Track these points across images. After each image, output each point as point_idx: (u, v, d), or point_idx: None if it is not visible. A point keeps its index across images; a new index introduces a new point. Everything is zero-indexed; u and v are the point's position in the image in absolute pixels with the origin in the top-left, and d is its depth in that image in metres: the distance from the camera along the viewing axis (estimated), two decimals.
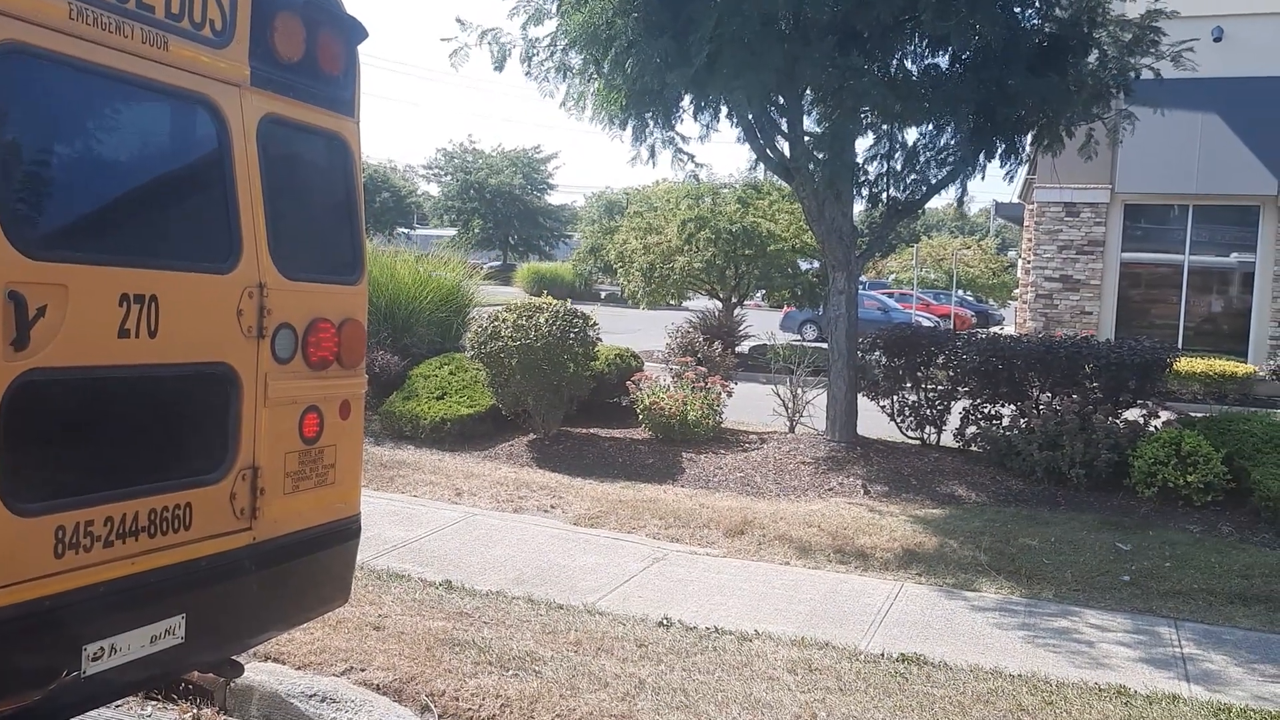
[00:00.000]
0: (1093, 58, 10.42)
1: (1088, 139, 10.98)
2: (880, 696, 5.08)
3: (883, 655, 5.83)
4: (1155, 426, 10.21)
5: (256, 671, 4.92)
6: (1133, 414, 10.45)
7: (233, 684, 4.74)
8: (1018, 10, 10.13)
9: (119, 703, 4.68)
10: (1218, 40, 18.93)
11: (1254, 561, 7.90)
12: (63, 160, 3.33)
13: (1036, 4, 10.23)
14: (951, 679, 5.44)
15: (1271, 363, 19.23)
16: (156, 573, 3.47)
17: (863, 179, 11.82)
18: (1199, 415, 10.94)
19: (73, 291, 3.17)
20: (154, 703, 4.87)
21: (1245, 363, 19.40)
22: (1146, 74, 10.59)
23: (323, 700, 4.81)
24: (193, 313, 3.60)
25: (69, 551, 3.19)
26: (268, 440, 3.92)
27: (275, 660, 5.14)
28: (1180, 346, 19.15)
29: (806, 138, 11.15)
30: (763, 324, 25.38)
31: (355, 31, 4.41)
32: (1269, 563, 7.88)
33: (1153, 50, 10.42)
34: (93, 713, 4.16)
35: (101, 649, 3.29)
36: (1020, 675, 5.57)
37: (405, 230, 65.31)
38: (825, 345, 12.03)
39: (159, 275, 3.48)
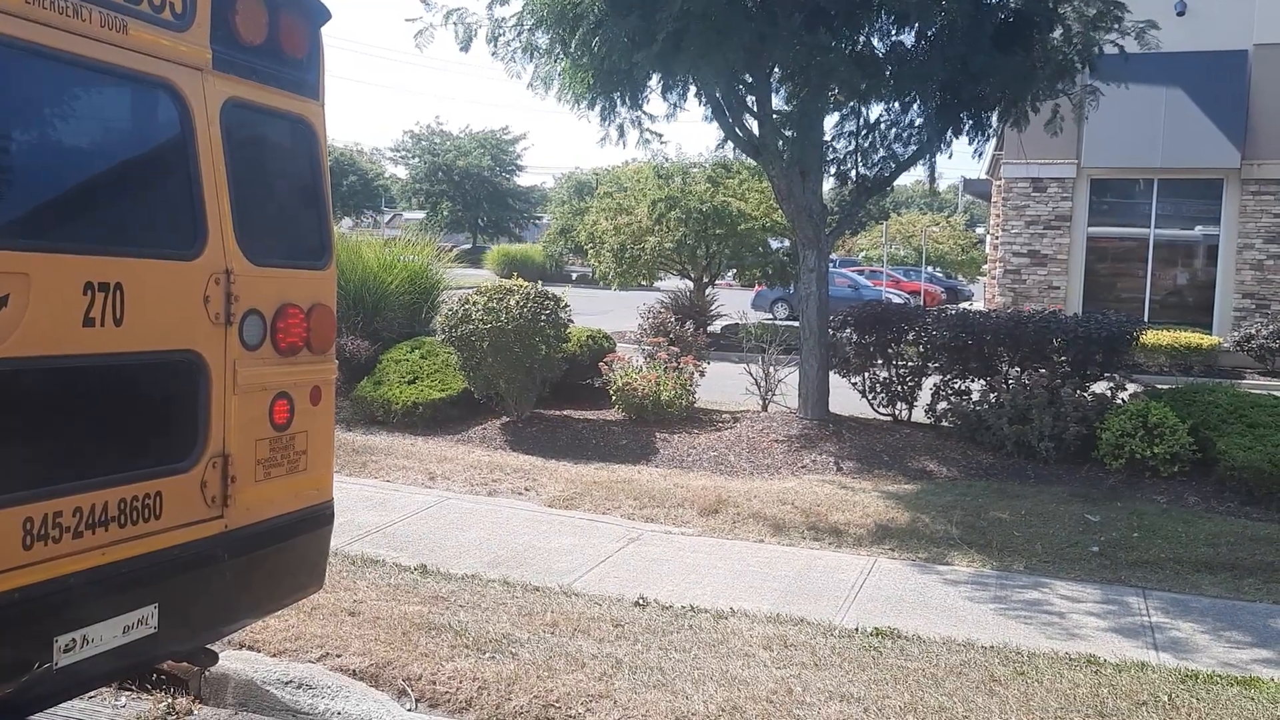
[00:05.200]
0: (1057, 33, 10.49)
1: (1054, 114, 11.05)
2: (855, 670, 5.13)
3: (857, 630, 5.89)
4: (1122, 399, 10.33)
5: (231, 659, 4.89)
6: (1100, 387, 10.56)
7: (207, 672, 4.73)
8: None
9: (92, 693, 4.65)
10: (1180, 14, 19.10)
11: (1220, 530, 8.03)
12: (22, 147, 3.27)
13: None
14: (925, 652, 5.50)
15: (1235, 334, 19.51)
16: (128, 563, 3.45)
17: (831, 157, 11.86)
18: (1165, 387, 11.07)
19: (35, 280, 3.13)
20: (128, 693, 4.85)
21: (1210, 334, 19.67)
22: (1110, 49, 10.66)
23: (299, 686, 4.80)
24: (159, 300, 3.56)
25: (38, 543, 3.16)
26: (238, 428, 3.89)
27: (250, 648, 5.11)
28: (1146, 319, 19.42)
29: (775, 116, 11.15)
30: (734, 303, 25.44)
31: (318, 13, 4.36)
32: (1234, 531, 8.01)
33: (1116, 26, 10.49)
34: (66, 704, 4.13)
35: (73, 640, 3.27)
36: (992, 647, 5.64)
37: (374, 214, 64.86)
38: (797, 323, 12.07)
39: (123, 263, 3.43)
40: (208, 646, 4.17)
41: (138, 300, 3.46)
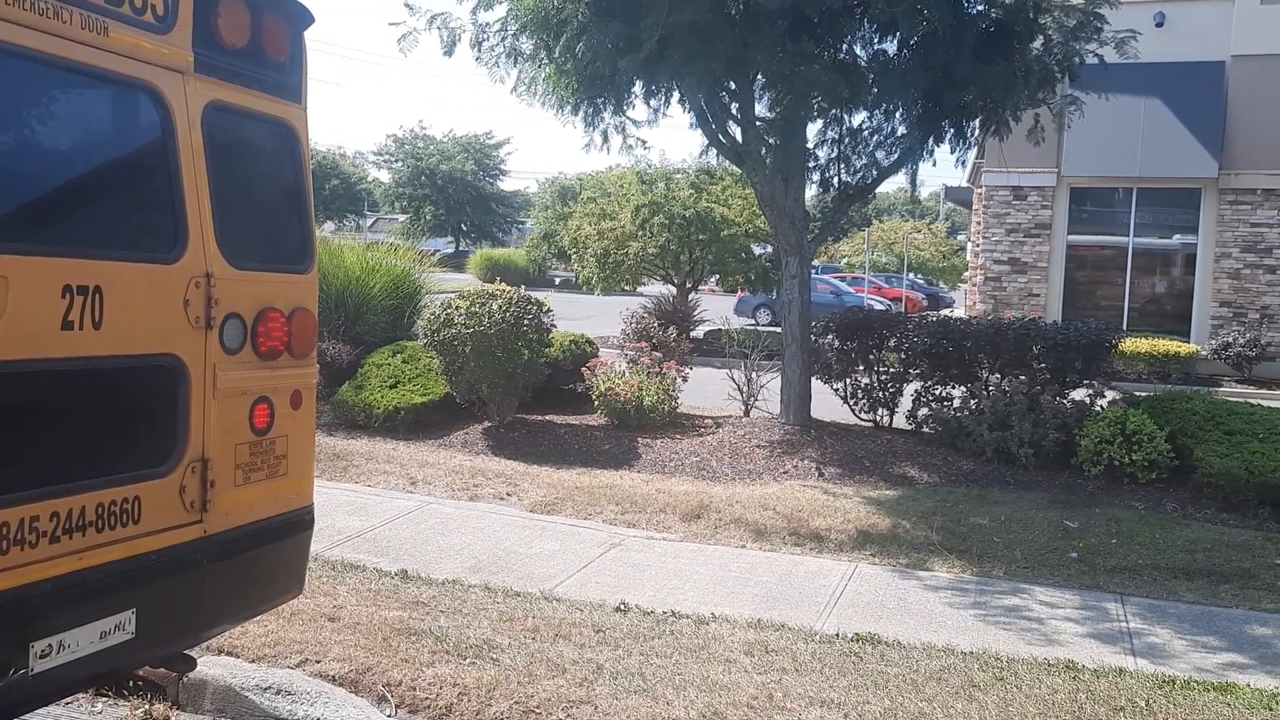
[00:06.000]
0: (1038, 43, 10.56)
1: (1035, 124, 11.13)
2: (835, 676, 5.14)
3: (838, 635, 5.90)
4: (1101, 406, 10.40)
5: (210, 665, 4.86)
6: (1079, 394, 10.63)
7: (185, 678, 4.70)
8: None
9: (69, 700, 4.61)
10: (1159, 25, 19.29)
11: (1196, 536, 8.09)
12: (1, 150, 3.25)
13: None
14: (905, 657, 5.52)
15: (1213, 342, 19.67)
16: (105, 568, 3.42)
17: (814, 164, 11.90)
18: (1143, 394, 11.16)
19: (13, 283, 3.10)
20: (104, 699, 4.81)
21: (1188, 342, 19.84)
22: (1090, 59, 10.75)
23: (278, 693, 4.77)
24: (138, 304, 3.54)
25: (14, 548, 3.13)
26: (217, 432, 3.87)
27: (229, 654, 5.08)
28: (1125, 327, 19.58)
29: (758, 123, 11.18)
30: (717, 309, 25.48)
31: (301, 17, 4.35)
32: (1211, 538, 8.08)
33: (1096, 36, 10.57)
34: (42, 710, 4.10)
35: (50, 646, 3.24)
36: (972, 652, 5.66)
37: (357, 218, 64.70)
38: (779, 329, 12.12)
39: (103, 266, 3.42)
40: (186, 652, 4.14)
41: (117, 303, 3.44)
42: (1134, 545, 7.85)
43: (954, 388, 11.15)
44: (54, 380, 3.31)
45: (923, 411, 11.24)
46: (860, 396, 11.78)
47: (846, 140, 11.78)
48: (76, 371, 3.37)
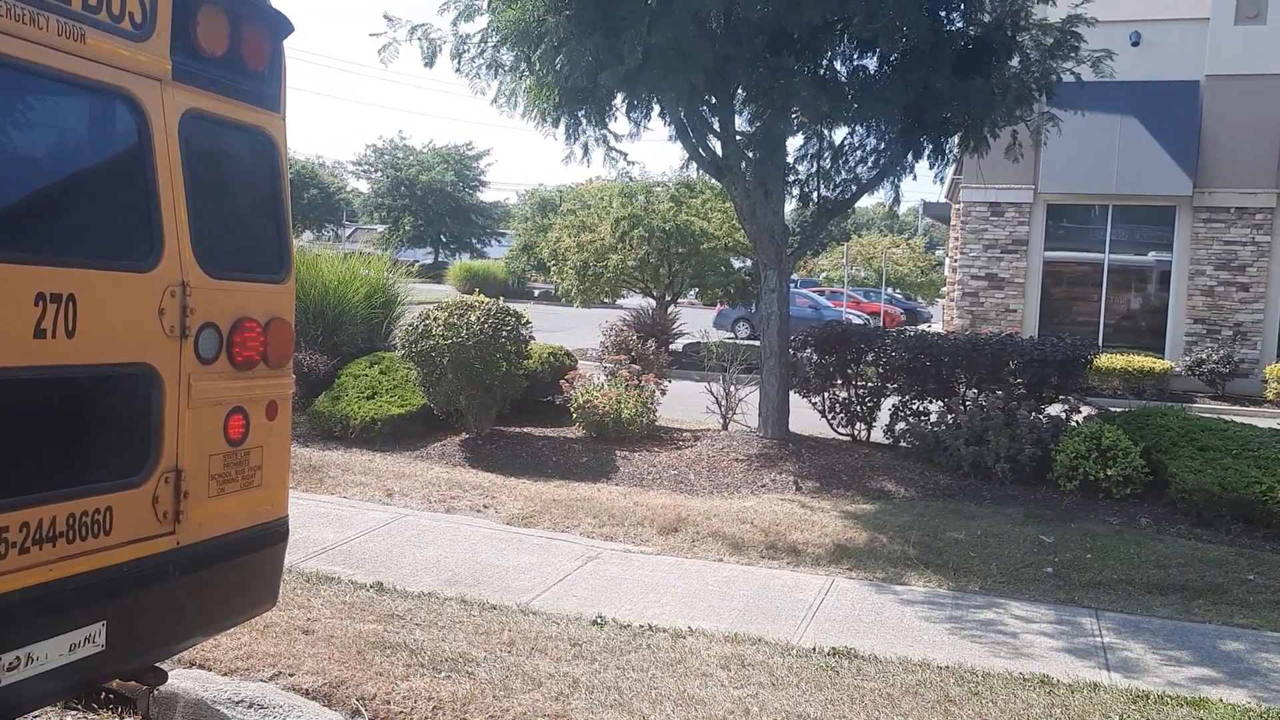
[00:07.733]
0: (1015, 61, 10.67)
1: (1013, 140, 11.22)
2: (812, 690, 5.14)
3: (814, 650, 5.90)
4: (1076, 421, 10.46)
5: (181, 678, 4.81)
6: (1055, 409, 10.70)
7: (156, 691, 4.64)
8: (943, 14, 10.31)
9: (37, 713, 4.55)
10: (1135, 45, 19.52)
11: (1170, 552, 8.14)
12: None
13: (961, 7, 10.43)
14: (881, 672, 5.52)
15: (1187, 358, 19.86)
16: (75, 579, 3.38)
17: (794, 178, 11.95)
18: (1118, 410, 11.24)
19: None
20: (74, 712, 4.75)
21: (1162, 358, 20.02)
22: (1067, 77, 10.86)
23: (250, 706, 4.72)
24: (113, 312, 3.50)
25: None
26: (191, 442, 3.84)
27: (200, 666, 5.03)
28: (1100, 343, 19.73)
29: (738, 137, 11.22)
30: (696, 322, 25.54)
31: (281, 26, 4.33)
32: (1185, 553, 8.13)
33: (1073, 55, 10.69)
34: None
35: (18, 658, 3.20)
36: (948, 667, 5.67)
37: (335, 228, 64.47)
38: (758, 343, 12.14)
39: (77, 274, 3.38)
40: (157, 665, 4.09)
41: (91, 312, 3.40)
42: (1109, 560, 7.89)
43: (931, 402, 11.20)
44: (25, 389, 3.26)
45: (900, 426, 11.28)
46: (838, 411, 11.82)
47: (826, 155, 11.83)
48: (49, 380, 3.33)
